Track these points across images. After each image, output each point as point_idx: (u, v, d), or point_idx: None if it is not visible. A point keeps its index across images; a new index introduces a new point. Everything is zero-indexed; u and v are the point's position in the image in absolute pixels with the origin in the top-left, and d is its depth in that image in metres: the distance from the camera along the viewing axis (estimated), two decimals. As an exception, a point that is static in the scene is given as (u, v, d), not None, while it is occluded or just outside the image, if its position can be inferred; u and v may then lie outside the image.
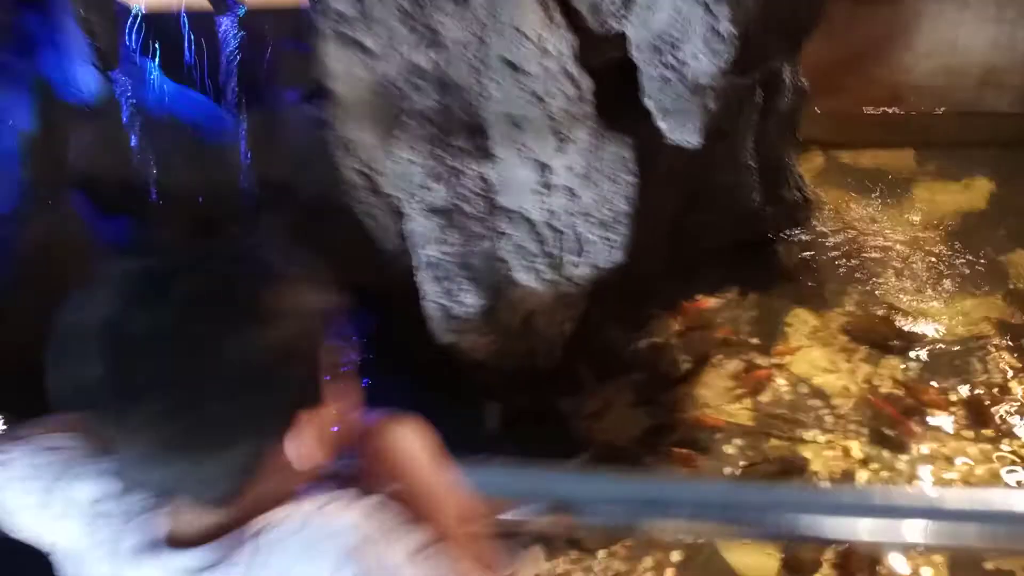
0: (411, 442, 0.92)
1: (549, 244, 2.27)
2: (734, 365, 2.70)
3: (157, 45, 2.79)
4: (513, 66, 2.05)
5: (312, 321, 0.73)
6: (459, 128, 2.14)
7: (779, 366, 2.66)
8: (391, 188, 2.25)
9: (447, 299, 2.25)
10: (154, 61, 2.73)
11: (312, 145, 2.52)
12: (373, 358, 2.82)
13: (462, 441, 2.54)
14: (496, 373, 2.57)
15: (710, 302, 2.92)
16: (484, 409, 2.64)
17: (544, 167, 2.18)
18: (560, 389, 2.65)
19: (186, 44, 2.76)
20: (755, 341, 2.78)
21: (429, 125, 2.13)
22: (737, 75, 2.01)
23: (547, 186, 2.21)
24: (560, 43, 2.02)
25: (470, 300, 2.26)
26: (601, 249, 2.30)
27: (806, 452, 2.39)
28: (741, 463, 2.38)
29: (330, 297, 0.76)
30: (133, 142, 2.76)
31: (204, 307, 0.67)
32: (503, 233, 2.26)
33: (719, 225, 2.84)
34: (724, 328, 2.83)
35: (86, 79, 2.74)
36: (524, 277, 2.30)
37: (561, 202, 2.23)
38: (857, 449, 2.38)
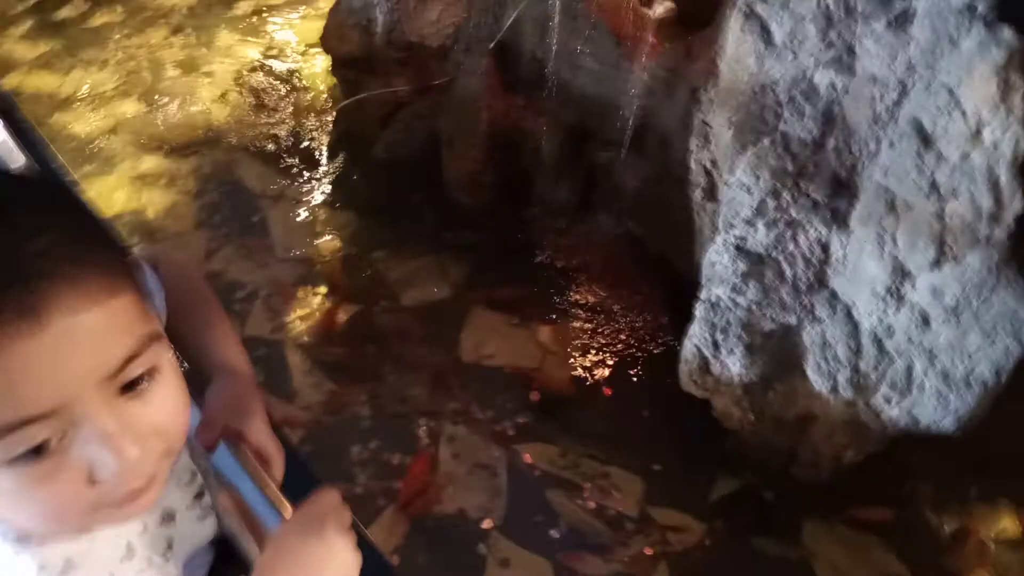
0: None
1: (865, 361, 1.73)
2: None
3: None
4: (924, 136, 1.48)
5: None
6: (821, 176, 1.65)
7: None
8: (721, 202, 1.87)
9: (710, 351, 1.87)
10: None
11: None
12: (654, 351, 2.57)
13: (681, 490, 2.23)
14: (743, 449, 2.15)
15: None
16: (717, 473, 2.26)
17: (904, 274, 1.62)
18: (811, 505, 2.15)
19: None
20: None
21: (788, 158, 1.68)
22: None
23: (897, 297, 1.65)
24: (1003, 135, 1.39)
25: (735, 366, 1.85)
26: (930, 405, 1.70)
27: None
28: None
29: None
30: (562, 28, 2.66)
31: None
32: (816, 318, 1.77)
33: None
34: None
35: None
36: (816, 378, 1.80)
37: (905, 323, 1.66)
38: None
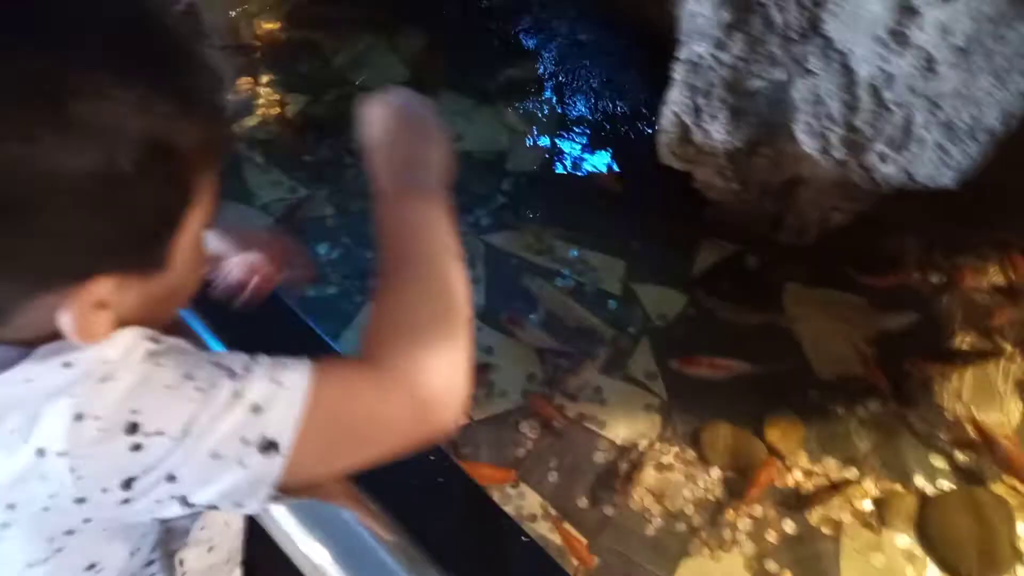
0: None
1: (860, 115, 1.58)
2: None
3: None
4: None
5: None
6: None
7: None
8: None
9: (690, 117, 1.70)
10: None
11: None
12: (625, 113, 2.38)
13: (662, 265, 2.12)
14: (726, 219, 2.05)
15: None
16: (698, 246, 2.18)
17: (910, 11, 1.42)
18: (795, 270, 2.08)
19: None
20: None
21: None
22: None
23: (900, 38, 1.46)
24: None
25: (717, 133, 1.70)
26: (930, 159, 1.57)
27: None
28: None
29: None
30: None
31: None
32: (808, 70, 1.59)
33: None
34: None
35: None
36: (806, 139, 1.66)
37: (908, 69, 1.49)
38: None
